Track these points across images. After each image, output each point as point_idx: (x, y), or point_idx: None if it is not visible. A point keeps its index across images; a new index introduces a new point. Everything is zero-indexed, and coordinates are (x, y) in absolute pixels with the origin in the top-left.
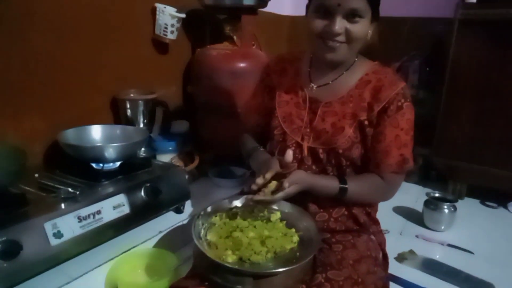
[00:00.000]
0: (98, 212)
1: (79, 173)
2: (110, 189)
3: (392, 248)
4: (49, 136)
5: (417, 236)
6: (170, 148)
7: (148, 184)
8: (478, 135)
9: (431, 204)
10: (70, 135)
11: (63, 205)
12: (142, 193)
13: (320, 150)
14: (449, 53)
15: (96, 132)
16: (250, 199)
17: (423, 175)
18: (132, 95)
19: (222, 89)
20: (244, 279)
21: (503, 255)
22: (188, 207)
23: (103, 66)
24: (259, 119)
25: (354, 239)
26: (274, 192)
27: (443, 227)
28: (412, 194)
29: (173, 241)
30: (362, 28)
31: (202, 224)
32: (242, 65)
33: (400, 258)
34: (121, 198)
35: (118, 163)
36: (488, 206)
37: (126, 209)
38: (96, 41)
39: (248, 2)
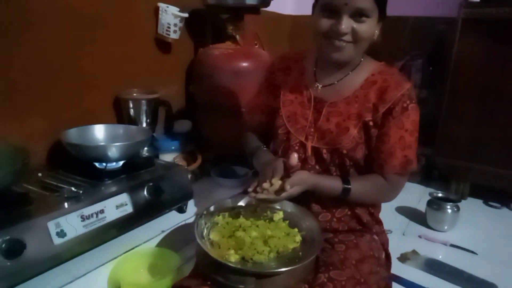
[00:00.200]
0: (101, 211)
1: (82, 173)
2: (113, 189)
3: (395, 248)
4: (52, 135)
5: (420, 236)
6: (173, 148)
7: (151, 184)
8: (481, 135)
9: (434, 204)
10: (73, 135)
11: (66, 204)
12: (145, 192)
13: (324, 150)
14: (452, 53)
15: (99, 131)
16: (254, 197)
17: (426, 175)
18: (135, 94)
19: (225, 88)
20: (246, 279)
21: (506, 256)
22: (190, 206)
23: (106, 65)
24: (263, 117)
25: (357, 239)
26: (277, 191)
27: (446, 227)
28: (414, 194)
29: (176, 240)
30: (369, 28)
31: (205, 224)
32: (244, 64)
33: (403, 258)
34: (124, 198)
35: (121, 163)
36: (491, 206)
37: (129, 209)
38: (98, 40)
39: (251, 2)
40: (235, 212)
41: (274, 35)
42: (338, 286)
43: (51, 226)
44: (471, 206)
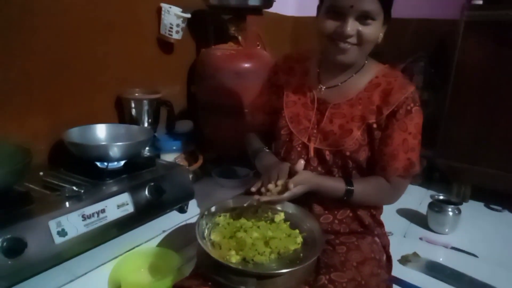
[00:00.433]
0: (102, 210)
1: (84, 172)
2: (114, 188)
3: (396, 250)
4: (54, 134)
5: (421, 239)
6: (174, 148)
7: (152, 183)
8: (483, 137)
9: (435, 206)
10: (74, 134)
11: (67, 204)
12: (146, 192)
13: (327, 152)
14: (454, 55)
15: (100, 131)
16: (257, 200)
17: (427, 177)
18: (136, 94)
19: (227, 89)
20: (247, 280)
21: (507, 259)
22: (191, 206)
23: (108, 65)
24: (266, 118)
25: (358, 241)
26: (280, 192)
27: (447, 230)
28: (416, 196)
29: (177, 240)
30: (374, 30)
31: (206, 224)
32: (246, 65)
33: (404, 260)
34: (125, 197)
35: (122, 162)
36: (492, 209)
37: (130, 208)
38: (100, 40)
39: (253, 3)
40: (236, 212)
41: (276, 36)
42: None
43: (52, 225)
44: (472, 209)
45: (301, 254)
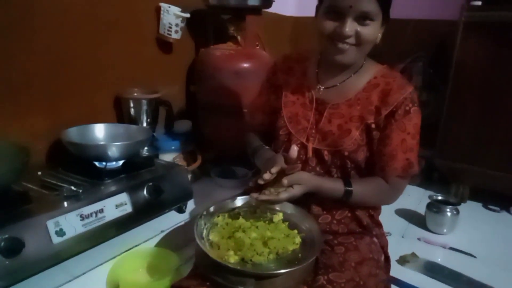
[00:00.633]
0: (101, 210)
1: (82, 172)
2: (113, 188)
3: (394, 250)
4: (52, 134)
5: (419, 239)
6: (173, 148)
7: (150, 183)
8: (482, 137)
9: (434, 207)
10: (73, 134)
11: (65, 203)
12: (145, 192)
13: (325, 152)
14: (453, 55)
15: (99, 130)
16: (255, 198)
17: (426, 177)
18: (135, 94)
19: (226, 89)
20: (245, 280)
21: (506, 259)
22: (190, 206)
23: (107, 65)
24: (264, 118)
25: (357, 241)
26: (279, 192)
27: (445, 230)
28: (414, 197)
29: (175, 240)
30: (373, 31)
31: (205, 224)
32: (245, 65)
33: (402, 260)
34: (123, 197)
35: (121, 162)
36: (490, 209)
37: (128, 208)
38: (99, 40)
39: (253, 3)
40: (234, 213)
41: (275, 36)
42: None
43: (50, 225)
44: (471, 210)
45: (300, 255)
